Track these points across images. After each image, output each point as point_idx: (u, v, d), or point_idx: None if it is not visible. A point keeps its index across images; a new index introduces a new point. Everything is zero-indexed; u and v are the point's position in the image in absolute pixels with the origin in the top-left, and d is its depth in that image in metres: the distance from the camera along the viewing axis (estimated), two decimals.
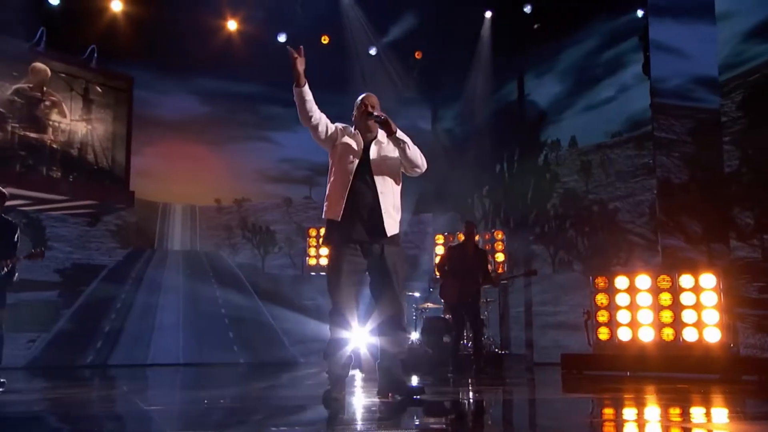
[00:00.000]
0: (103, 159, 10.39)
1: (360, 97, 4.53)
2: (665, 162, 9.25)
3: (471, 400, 5.07)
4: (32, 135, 9.51)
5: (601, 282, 7.89)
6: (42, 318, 10.57)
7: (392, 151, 4.42)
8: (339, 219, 4.21)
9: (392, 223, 4.28)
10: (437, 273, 7.80)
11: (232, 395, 5.54)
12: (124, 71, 10.83)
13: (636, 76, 9.88)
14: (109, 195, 10.66)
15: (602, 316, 7.83)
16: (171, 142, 11.78)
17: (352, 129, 4.48)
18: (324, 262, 10.38)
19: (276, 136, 12.58)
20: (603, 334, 7.81)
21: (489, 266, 9.92)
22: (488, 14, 11.71)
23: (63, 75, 9.92)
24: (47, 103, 9.72)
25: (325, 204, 4.38)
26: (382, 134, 4.44)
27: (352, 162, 4.30)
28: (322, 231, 4.87)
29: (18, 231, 6.11)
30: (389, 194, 4.33)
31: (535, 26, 11.26)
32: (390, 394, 4.37)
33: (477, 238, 10.30)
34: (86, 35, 10.22)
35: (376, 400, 4.49)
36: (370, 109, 4.37)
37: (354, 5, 11.33)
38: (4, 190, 6.13)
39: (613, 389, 5.68)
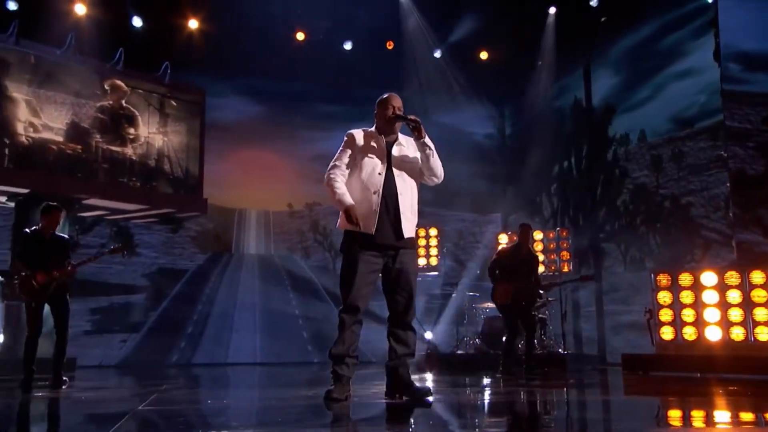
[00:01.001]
0: (178, 169, 11.01)
1: (384, 97, 4.42)
2: (739, 153, 8.76)
3: (490, 401, 4.83)
4: (114, 148, 10.23)
5: (663, 279, 7.55)
6: (132, 320, 11.35)
7: (413, 152, 4.38)
8: (362, 230, 4.17)
9: (409, 226, 4.25)
10: (490, 277, 7.61)
11: (248, 395, 5.44)
12: (195, 82, 11.41)
13: (705, 64, 9.35)
14: (184, 203, 11.28)
15: (665, 315, 7.51)
16: (242, 149, 12.27)
17: (373, 130, 4.41)
18: None
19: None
20: (666, 333, 7.49)
21: (553, 270, 9.79)
22: (552, 10, 11.50)
23: (140, 91, 10.62)
24: (126, 118, 10.42)
25: (342, 215, 4.26)
26: (402, 137, 4.41)
27: (378, 172, 4.26)
28: None
29: (69, 248, 6.25)
30: (408, 196, 4.30)
31: (602, 19, 10.95)
32: (396, 395, 4.25)
33: (540, 235, 10.14)
34: (160, 51, 10.86)
35: (381, 400, 4.34)
36: (398, 112, 4.32)
37: (413, 9, 11.41)
38: (60, 207, 6.15)
39: (684, 392, 5.33)
